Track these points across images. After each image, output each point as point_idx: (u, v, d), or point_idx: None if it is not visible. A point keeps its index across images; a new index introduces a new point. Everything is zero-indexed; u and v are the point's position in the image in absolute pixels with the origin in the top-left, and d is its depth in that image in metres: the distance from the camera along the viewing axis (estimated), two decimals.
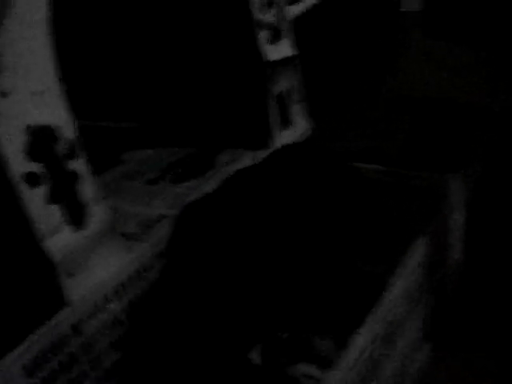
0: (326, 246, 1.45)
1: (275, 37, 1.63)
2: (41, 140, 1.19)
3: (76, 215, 1.27)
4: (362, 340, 1.08)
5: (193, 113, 1.84)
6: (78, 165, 1.27)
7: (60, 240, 1.24)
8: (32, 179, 1.19)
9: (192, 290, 1.28)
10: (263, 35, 1.60)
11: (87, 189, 1.29)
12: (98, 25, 2.03)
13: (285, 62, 1.65)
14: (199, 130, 1.83)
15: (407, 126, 2.09)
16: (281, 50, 1.64)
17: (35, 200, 1.20)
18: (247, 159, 1.64)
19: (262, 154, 1.60)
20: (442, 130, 2.03)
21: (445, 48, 2.34)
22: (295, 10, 1.81)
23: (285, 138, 1.69)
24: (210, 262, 1.27)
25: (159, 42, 1.86)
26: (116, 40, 1.99)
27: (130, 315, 1.37)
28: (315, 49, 2.22)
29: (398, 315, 1.22)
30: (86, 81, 2.07)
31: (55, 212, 1.24)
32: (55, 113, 1.22)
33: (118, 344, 1.34)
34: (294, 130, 1.71)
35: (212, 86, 1.77)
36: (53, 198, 1.23)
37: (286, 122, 1.70)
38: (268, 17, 1.63)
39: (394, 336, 1.23)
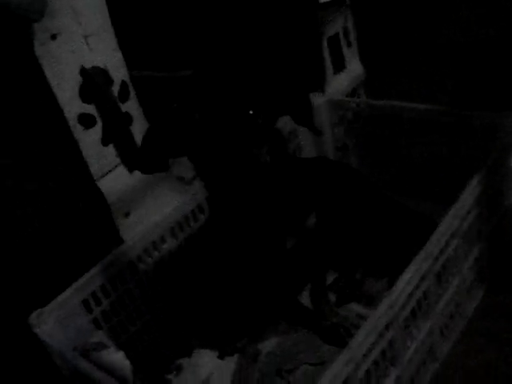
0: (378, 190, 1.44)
1: None
2: (94, 81, 1.22)
3: (130, 156, 1.30)
4: (409, 277, 1.07)
5: (247, 59, 1.83)
6: (131, 107, 1.30)
7: (114, 180, 1.28)
8: (86, 120, 1.23)
9: (242, 231, 1.29)
10: None
11: (141, 131, 1.31)
12: None
13: (337, 3, 1.62)
14: (253, 76, 1.82)
15: (464, 70, 2.02)
16: None
17: (90, 141, 1.24)
18: None
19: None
20: (498, 72, 1.95)
21: None
22: None
23: (339, 81, 1.67)
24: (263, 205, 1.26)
25: None
26: None
27: (186, 254, 1.40)
28: None
29: (452, 255, 1.21)
30: (143, 32, 2.09)
31: (109, 153, 1.27)
32: (108, 55, 1.24)
33: (172, 282, 1.38)
34: (348, 74, 1.69)
35: (266, 30, 1.75)
36: (107, 138, 1.26)
37: (339, 66, 1.68)
38: None
39: (447, 275, 1.22)
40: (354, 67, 1.71)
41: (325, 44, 1.62)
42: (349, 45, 1.68)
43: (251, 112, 1.02)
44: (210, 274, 1.38)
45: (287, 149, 1.22)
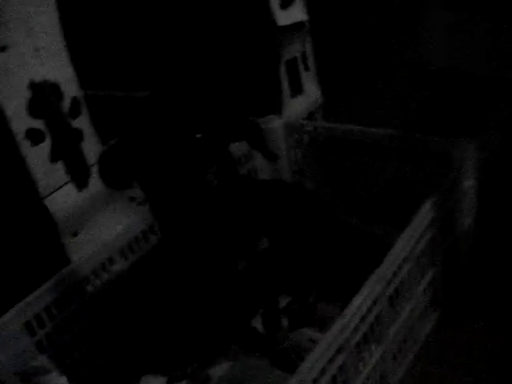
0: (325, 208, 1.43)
1: (287, 1, 1.60)
2: (44, 96, 1.19)
3: (79, 174, 1.27)
4: (360, 300, 1.05)
5: (205, 80, 1.83)
6: (82, 123, 1.27)
7: (63, 198, 1.24)
8: (35, 136, 1.19)
9: (194, 254, 1.26)
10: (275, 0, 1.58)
11: (91, 148, 1.29)
12: None
13: (295, 27, 1.62)
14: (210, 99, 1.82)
15: (421, 96, 2.05)
16: (292, 15, 1.61)
17: (38, 157, 1.20)
18: None
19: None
20: (458, 99, 1.99)
21: (464, 20, 2.29)
22: None
23: (296, 104, 1.67)
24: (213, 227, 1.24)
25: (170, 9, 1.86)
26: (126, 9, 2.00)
27: (135, 276, 1.36)
28: (328, 17, 2.18)
29: (405, 278, 1.20)
30: (99, 51, 2.08)
31: (58, 169, 1.23)
32: (59, 69, 1.22)
33: (121, 305, 1.34)
34: (305, 97, 1.69)
35: (223, 53, 1.76)
36: (56, 155, 1.22)
37: (297, 89, 1.68)
38: None
39: (400, 299, 1.21)
40: (312, 91, 1.72)
41: (282, 67, 1.62)
42: (306, 68, 1.68)
43: (198, 136, 1.01)
44: (159, 298, 1.35)
45: (237, 172, 1.21)
